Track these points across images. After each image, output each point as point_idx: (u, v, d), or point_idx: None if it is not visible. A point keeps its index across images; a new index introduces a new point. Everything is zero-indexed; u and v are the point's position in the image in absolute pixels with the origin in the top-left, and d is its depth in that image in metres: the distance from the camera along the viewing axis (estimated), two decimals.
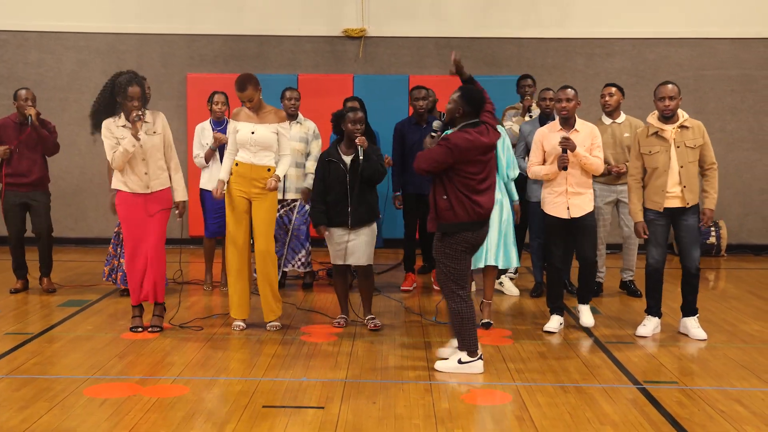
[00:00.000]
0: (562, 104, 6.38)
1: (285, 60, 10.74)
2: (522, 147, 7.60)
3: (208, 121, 7.88)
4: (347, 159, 6.37)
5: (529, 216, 7.78)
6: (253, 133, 6.32)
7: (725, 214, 10.62)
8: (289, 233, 7.73)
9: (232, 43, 10.75)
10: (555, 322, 6.63)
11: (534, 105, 8.34)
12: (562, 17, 10.76)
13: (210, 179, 7.69)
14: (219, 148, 7.61)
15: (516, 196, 6.72)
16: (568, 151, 6.28)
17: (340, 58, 10.78)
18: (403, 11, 10.73)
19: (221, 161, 7.64)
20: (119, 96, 6.15)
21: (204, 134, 7.77)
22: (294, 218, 7.74)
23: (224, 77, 10.48)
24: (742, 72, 10.74)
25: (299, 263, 7.87)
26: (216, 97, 7.81)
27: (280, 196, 7.60)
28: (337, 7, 10.72)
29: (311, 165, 7.67)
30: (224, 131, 7.74)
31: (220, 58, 10.76)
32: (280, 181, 6.36)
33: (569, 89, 6.43)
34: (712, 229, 10.41)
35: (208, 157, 7.68)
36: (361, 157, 6.28)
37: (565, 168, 6.30)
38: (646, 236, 6.32)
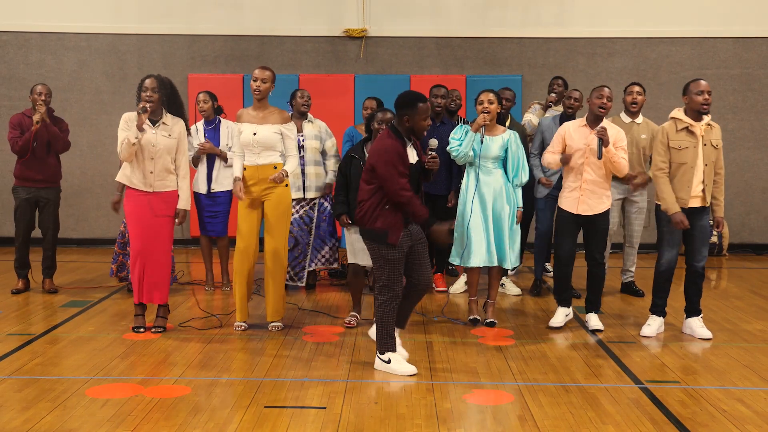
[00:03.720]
0: (603, 101, 6.35)
1: (286, 60, 10.75)
2: (538, 141, 7.57)
3: (201, 122, 7.93)
4: None
5: (536, 212, 7.79)
6: (254, 134, 6.32)
7: (727, 213, 10.58)
8: (312, 232, 7.74)
9: (233, 43, 10.76)
10: (560, 315, 6.65)
11: (554, 105, 8.41)
12: (562, 16, 10.76)
13: (200, 181, 7.87)
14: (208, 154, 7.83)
15: (521, 203, 6.64)
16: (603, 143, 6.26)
17: (341, 58, 10.78)
18: (404, 11, 10.74)
19: (208, 165, 7.82)
20: (140, 92, 6.20)
21: (197, 135, 7.84)
22: (315, 216, 7.75)
23: (225, 77, 10.52)
24: (744, 71, 10.74)
25: (324, 260, 7.87)
26: (199, 96, 7.92)
27: (300, 195, 7.63)
28: (338, 7, 10.73)
29: (332, 164, 7.73)
30: (215, 130, 7.82)
31: (220, 58, 10.77)
32: (287, 176, 6.34)
33: (608, 88, 6.44)
34: (714, 228, 10.40)
35: (195, 161, 7.77)
36: None
37: (599, 157, 6.27)
38: (687, 225, 6.18)
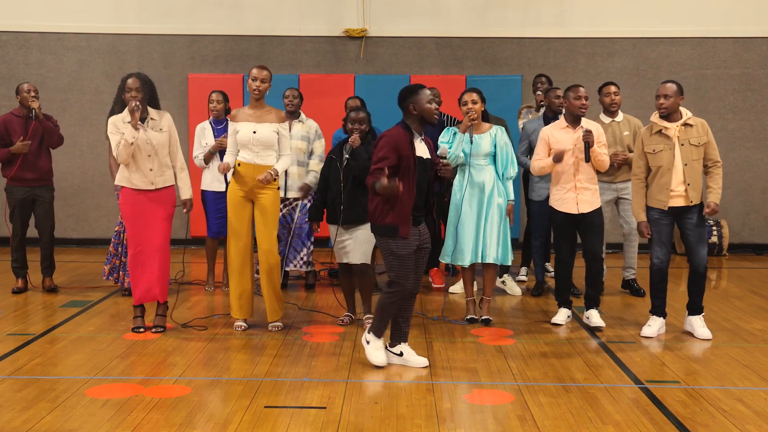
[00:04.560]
0: (582, 101, 6.41)
1: (286, 60, 10.75)
2: (525, 145, 7.62)
3: (208, 120, 7.91)
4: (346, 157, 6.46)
5: (531, 215, 7.80)
6: (254, 132, 6.31)
7: (727, 213, 10.61)
8: (291, 232, 7.74)
9: (233, 43, 10.76)
10: (563, 315, 6.72)
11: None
12: (562, 16, 10.75)
13: (212, 180, 7.78)
14: (220, 151, 7.69)
15: (512, 196, 6.73)
16: (590, 145, 6.33)
17: (341, 58, 10.78)
18: (404, 11, 10.74)
19: (221, 161, 7.72)
20: (123, 93, 6.19)
21: (204, 134, 7.80)
22: (296, 217, 7.74)
23: (225, 77, 10.52)
24: (744, 71, 10.74)
25: (301, 262, 7.88)
26: (213, 96, 7.88)
27: (281, 194, 7.62)
28: (338, 7, 10.73)
29: (315, 164, 7.70)
30: (225, 130, 7.77)
31: (220, 58, 10.77)
32: (277, 176, 6.35)
33: (583, 87, 6.47)
34: (714, 228, 10.40)
35: (207, 159, 7.73)
36: (347, 155, 6.40)
37: (587, 160, 6.35)
38: (649, 236, 6.32)
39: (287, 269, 7.89)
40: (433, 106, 5.41)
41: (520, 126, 8.27)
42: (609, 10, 10.73)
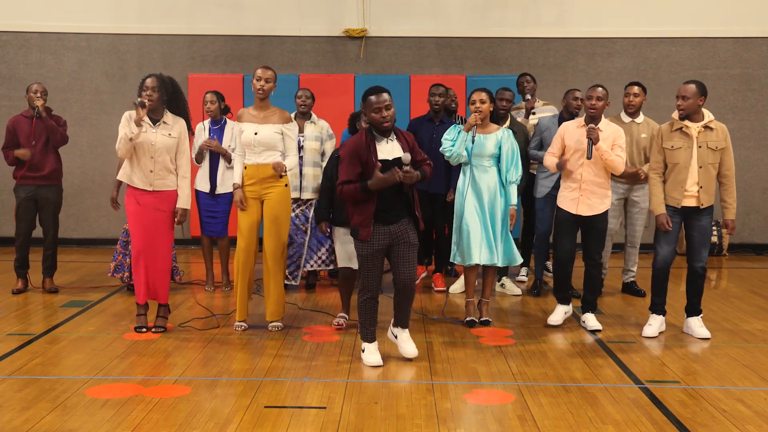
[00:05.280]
0: (592, 101, 6.37)
1: (286, 60, 10.75)
2: (537, 140, 7.60)
3: (207, 121, 7.94)
4: None
5: (535, 212, 7.80)
6: (256, 134, 6.32)
7: None
8: (308, 232, 7.74)
9: (233, 43, 10.76)
10: (559, 313, 6.68)
11: (539, 103, 8.34)
12: (562, 16, 10.76)
13: (203, 179, 7.85)
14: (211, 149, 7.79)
15: (514, 200, 6.67)
16: (593, 143, 6.28)
17: (341, 58, 10.78)
18: (404, 11, 10.74)
19: (212, 164, 7.80)
20: (141, 92, 6.24)
21: (203, 135, 7.83)
22: (311, 216, 7.75)
23: (225, 77, 10.52)
24: (744, 71, 10.74)
25: (320, 261, 7.87)
26: (207, 96, 7.92)
27: (296, 195, 7.63)
28: (338, 7, 10.74)
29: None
30: (221, 130, 7.80)
31: (221, 58, 10.77)
32: (285, 168, 6.32)
33: (600, 88, 6.43)
34: (714, 228, 10.40)
35: (198, 159, 7.77)
36: None
37: (589, 156, 6.31)
38: (669, 228, 6.24)
39: (306, 269, 7.89)
40: (381, 114, 5.42)
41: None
42: (609, 10, 10.74)
